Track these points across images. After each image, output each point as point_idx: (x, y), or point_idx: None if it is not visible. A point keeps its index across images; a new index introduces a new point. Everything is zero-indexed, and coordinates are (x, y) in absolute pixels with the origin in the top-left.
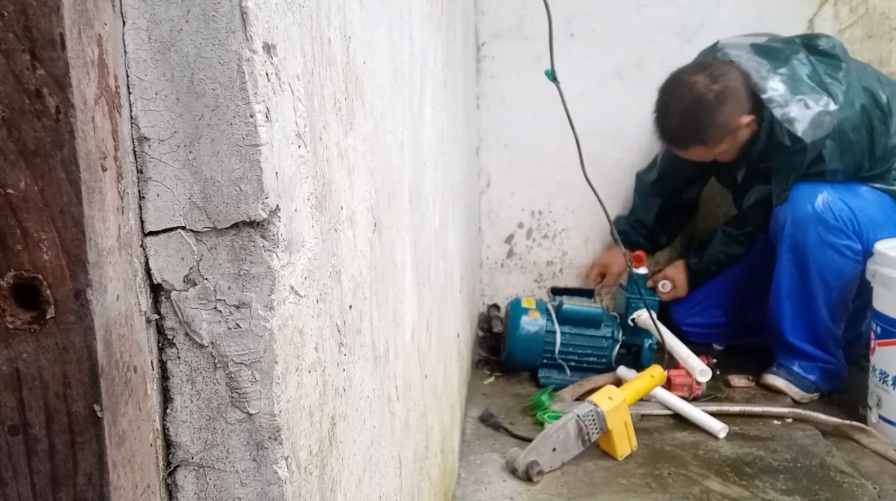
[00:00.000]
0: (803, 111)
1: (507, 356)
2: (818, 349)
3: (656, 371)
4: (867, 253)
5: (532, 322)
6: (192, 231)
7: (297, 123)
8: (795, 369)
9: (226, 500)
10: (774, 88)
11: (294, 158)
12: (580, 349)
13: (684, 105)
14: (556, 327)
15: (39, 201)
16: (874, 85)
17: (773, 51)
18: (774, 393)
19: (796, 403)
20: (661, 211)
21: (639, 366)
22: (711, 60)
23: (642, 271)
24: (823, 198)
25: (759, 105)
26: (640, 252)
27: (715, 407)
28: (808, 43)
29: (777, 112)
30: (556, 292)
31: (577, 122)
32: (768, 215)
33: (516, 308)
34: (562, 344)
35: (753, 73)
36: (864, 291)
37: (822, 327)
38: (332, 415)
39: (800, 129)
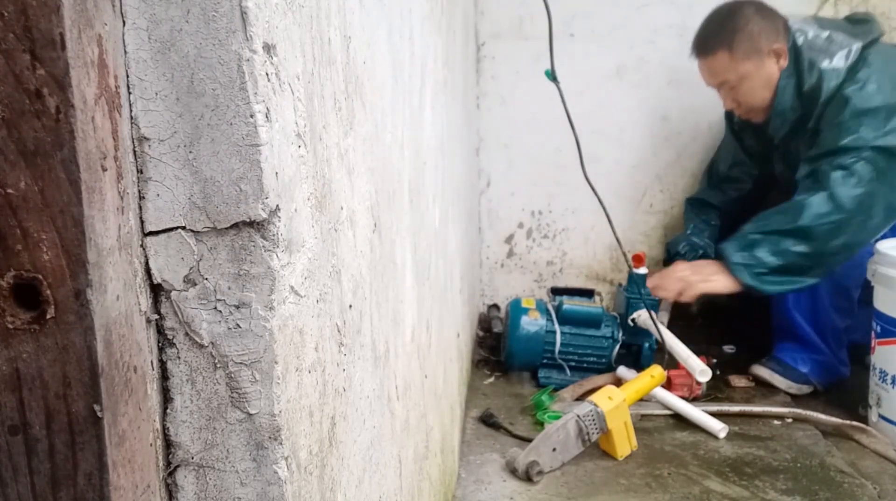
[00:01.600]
0: (828, 44)
1: (507, 356)
2: (816, 335)
3: (656, 371)
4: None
5: (532, 322)
6: (192, 231)
7: (297, 123)
8: (787, 360)
9: (226, 500)
10: (811, 29)
11: (294, 158)
12: (580, 349)
13: (722, 12)
14: (556, 327)
15: (39, 201)
16: None
17: (822, 18)
18: (766, 386)
19: (792, 397)
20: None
21: (639, 366)
22: None
23: (642, 271)
24: None
25: (792, 55)
26: (640, 253)
27: (715, 407)
28: (848, 17)
29: (806, 48)
30: (556, 292)
31: (577, 122)
32: None
33: (516, 308)
34: (562, 344)
35: (793, 22)
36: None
37: (824, 312)
38: (332, 415)
39: (821, 59)
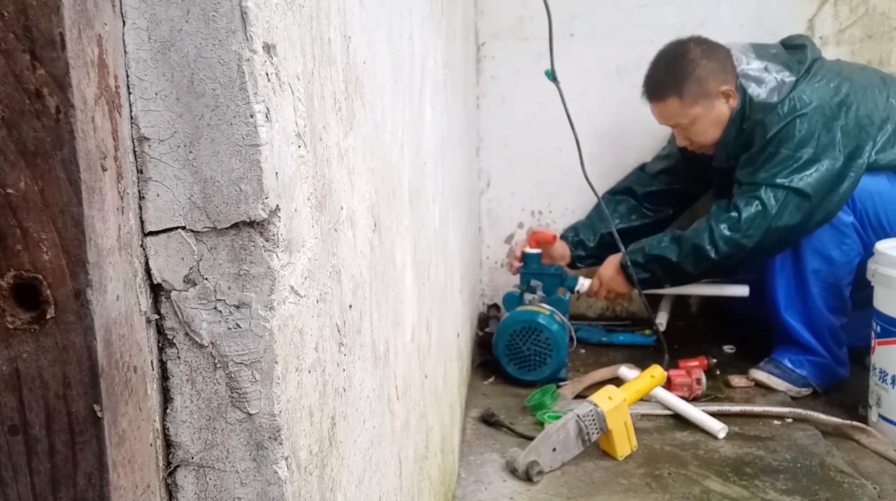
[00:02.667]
0: (763, 74)
1: (554, 370)
2: (812, 337)
3: (656, 371)
4: (864, 231)
5: (560, 326)
6: (192, 231)
7: (297, 123)
8: (785, 363)
9: (226, 500)
10: (746, 54)
11: (294, 158)
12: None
13: (669, 56)
14: (567, 322)
15: (39, 201)
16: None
17: (760, 45)
18: (766, 388)
19: (792, 397)
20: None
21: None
22: None
23: (536, 251)
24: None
25: (740, 94)
26: (540, 231)
27: (715, 407)
28: (785, 42)
29: (743, 69)
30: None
31: (577, 122)
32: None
33: (545, 320)
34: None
35: (734, 47)
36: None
37: (815, 311)
38: (332, 415)
39: (757, 91)
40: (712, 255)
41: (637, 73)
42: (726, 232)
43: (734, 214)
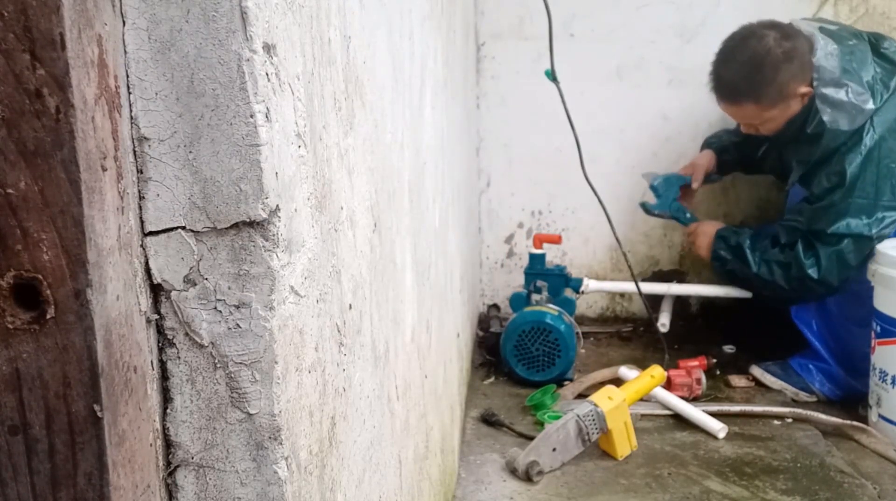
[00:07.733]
0: (841, 96)
1: (562, 372)
2: (821, 342)
3: (656, 371)
4: None
5: (568, 326)
6: (192, 231)
7: (297, 123)
8: (790, 364)
9: (226, 500)
10: (831, 65)
11: (294, 158)
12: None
13: (750, 55)
14: (573, 321)
15: (39, 201)
16: None
17: (840, 38)
18: (762, 385)
19: (795, 402)
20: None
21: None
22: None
23: (541, 252)
24: None
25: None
26: (547, 235)
27: (715, 407)
28: (874, 42)
29: (819, 89)
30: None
31: (577, 122)
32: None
33: (553, 320)
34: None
35: (819, 48)
36: None
37: (831, 318)
38: (332, 415)
39: (828, 112)
40: (784, 286)
41: (637, 73)
42: (813, 274)
43: (815, 266)
